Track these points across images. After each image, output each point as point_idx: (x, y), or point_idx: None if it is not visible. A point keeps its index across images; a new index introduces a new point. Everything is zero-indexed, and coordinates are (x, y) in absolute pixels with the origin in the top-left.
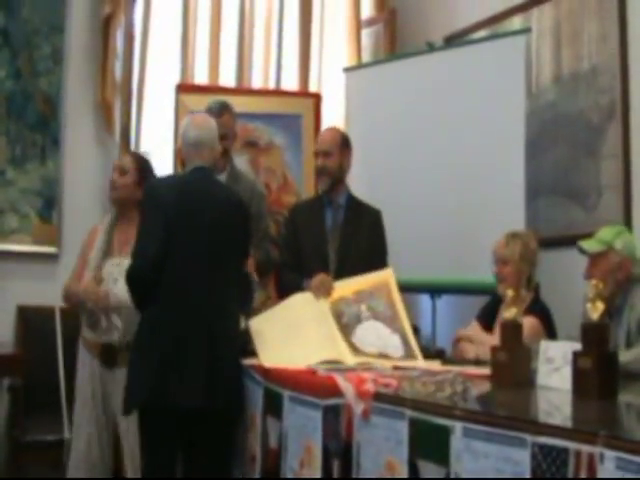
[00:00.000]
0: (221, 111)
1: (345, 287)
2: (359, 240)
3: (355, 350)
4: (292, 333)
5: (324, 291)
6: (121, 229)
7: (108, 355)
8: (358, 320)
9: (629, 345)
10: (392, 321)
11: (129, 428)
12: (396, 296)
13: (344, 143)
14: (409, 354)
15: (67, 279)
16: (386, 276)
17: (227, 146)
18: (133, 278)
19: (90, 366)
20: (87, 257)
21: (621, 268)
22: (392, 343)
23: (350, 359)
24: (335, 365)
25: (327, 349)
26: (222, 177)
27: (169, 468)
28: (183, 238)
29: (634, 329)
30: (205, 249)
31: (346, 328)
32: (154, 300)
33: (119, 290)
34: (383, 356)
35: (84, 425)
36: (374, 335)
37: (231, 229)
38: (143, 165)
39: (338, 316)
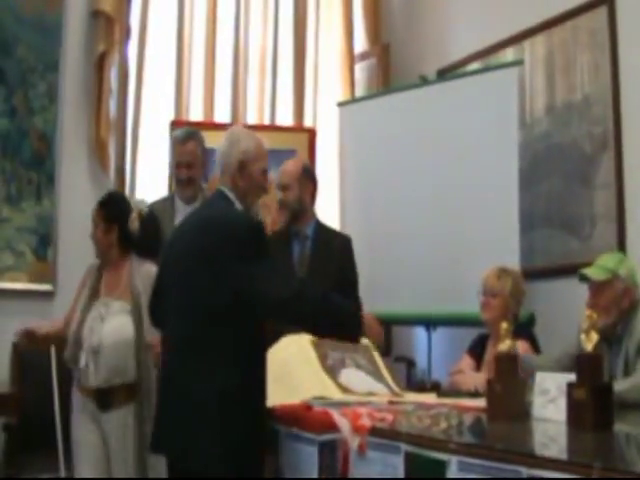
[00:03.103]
0: (185, 139)
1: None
2: (328, 270)
3: (344, 390)
4: (281, 377)
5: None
6: (109, 272)
7: (103, 398)
8: (342, 364)
9: (627, 373)
10: (374, 374)
11: None
12: (378, 359)
13: (305, 175)
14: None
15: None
16: (365, 344)
17: (193, 175)
18: None
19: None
20: (79, 298)
21: (625, 295)
22: (377, 387)
23: (340, 397)
24: (330, 400)
25: (317, 389)
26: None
27: None
28: (166, 278)
29: (632, 356)
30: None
31: (332, 371)
32: None
33: (105, 330)
34: (372, 394)
35: None
36: (358, 379)
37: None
38: (113, 212)
39: (322, 357)
